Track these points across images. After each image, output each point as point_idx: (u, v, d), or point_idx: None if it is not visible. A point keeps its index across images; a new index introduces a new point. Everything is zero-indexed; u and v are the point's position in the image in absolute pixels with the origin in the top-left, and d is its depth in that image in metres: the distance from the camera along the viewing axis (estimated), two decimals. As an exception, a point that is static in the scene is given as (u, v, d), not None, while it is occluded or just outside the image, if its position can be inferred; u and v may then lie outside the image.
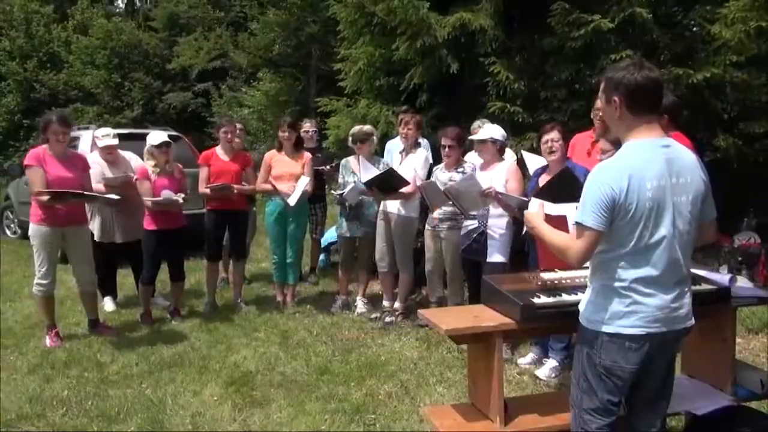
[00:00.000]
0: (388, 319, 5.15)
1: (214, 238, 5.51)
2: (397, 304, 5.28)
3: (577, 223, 2.10)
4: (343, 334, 4.93)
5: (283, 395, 3.76)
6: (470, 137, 4.41)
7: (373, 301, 5.67)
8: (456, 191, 4.20)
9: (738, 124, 5.53)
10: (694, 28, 5.63)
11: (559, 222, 2.82)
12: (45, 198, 4.34)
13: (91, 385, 3.89)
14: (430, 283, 5.10)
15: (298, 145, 5.39)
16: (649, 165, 2.05)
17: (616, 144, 3.38)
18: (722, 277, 2.69)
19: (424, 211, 5.13)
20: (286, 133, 5.28)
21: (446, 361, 4.28)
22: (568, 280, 2.64)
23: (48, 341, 4.59)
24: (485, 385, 2.53)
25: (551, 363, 4.03)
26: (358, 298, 5.57)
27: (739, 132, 5.57)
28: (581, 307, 2.24)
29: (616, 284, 2.10)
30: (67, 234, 4.58)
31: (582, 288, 2.55)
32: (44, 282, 4.53)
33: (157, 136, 5.01)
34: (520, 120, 5.68)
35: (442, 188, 4.49)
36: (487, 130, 4.35)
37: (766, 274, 5.38)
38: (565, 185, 3.42)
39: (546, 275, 2.70)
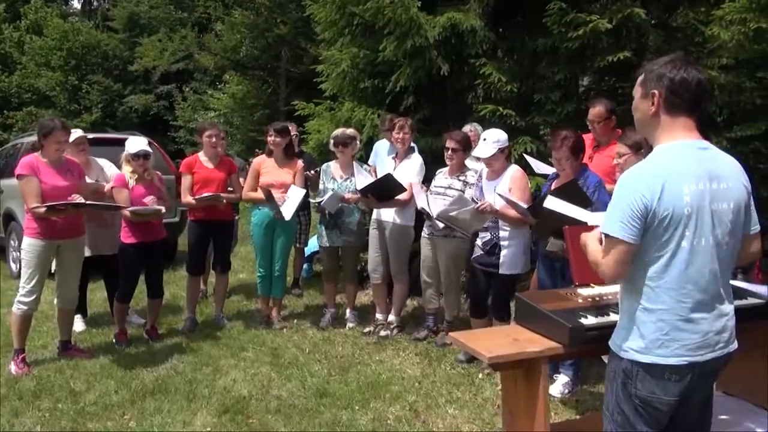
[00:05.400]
0: (383, 333, 4.90)
1: (198, 251, 5.15)
2: (391, 317, 5.03)
3: (605, 235, 1.89)
4: (337, 350, 4.65)
5: (282, 422, 3.46)
6: (473, 154, 4.18)
7: (362, 313, 5.42)
8: (446, 215, 3.98)
9: (732, 127, 5.48)
10: (688, 31, 5.54)
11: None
12: (42, 211, 3.97)
13: (67, 418, 3.50)
14: (425, 293, 4.87)
15: (289, 152, 5.06)
16: (685, 168, 1.85)
17: (634, 147, 3.20)
18: (760, 288, 2.54)
19: (420, 218, 4.90)
20: (275, 139, 4.93)
21: (452, 379, 4.06)
22: (610, 297, 2.44)
23: (14, 368, 4.17)
24: (527, 413, 2.29)
25: (563, 379, 3.84)
26: (347, 311, 5.29)
27: (732, 134, 5.52)
28: (613, 333, 2.00)
29: (652, 307, 1.86)
30: (62, 247, 4.24)
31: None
32: (28, 300, 4.16)
33: (135, 144, 4.62)
34: (513, 123, 5.50)
35: (430, 200, 4.30)
36: (491, 137, 4.12)
37: (762, 278, 5.33)
38: (573, 195, 3.24)
39: (584, 291, 2.49)
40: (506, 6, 5.83)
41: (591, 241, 2.08)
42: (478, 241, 4.17)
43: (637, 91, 1.99)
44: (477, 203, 4.00)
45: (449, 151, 4.41)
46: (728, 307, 1.94)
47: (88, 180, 4.77)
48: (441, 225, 4.25)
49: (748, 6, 4.65)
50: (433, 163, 5.11)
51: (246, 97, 15.12)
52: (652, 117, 1.92)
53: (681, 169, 1.84)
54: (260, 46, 14.46)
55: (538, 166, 4.44)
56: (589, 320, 2.23)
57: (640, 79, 1.98)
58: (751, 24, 4.62)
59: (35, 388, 3.89)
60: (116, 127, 17.08)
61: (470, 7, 5.74)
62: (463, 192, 4.37)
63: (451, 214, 4.04)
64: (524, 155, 4.74)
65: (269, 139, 4.96)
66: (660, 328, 1.85)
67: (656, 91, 1.90)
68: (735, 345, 1.96)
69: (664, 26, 5.56)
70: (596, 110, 4.20)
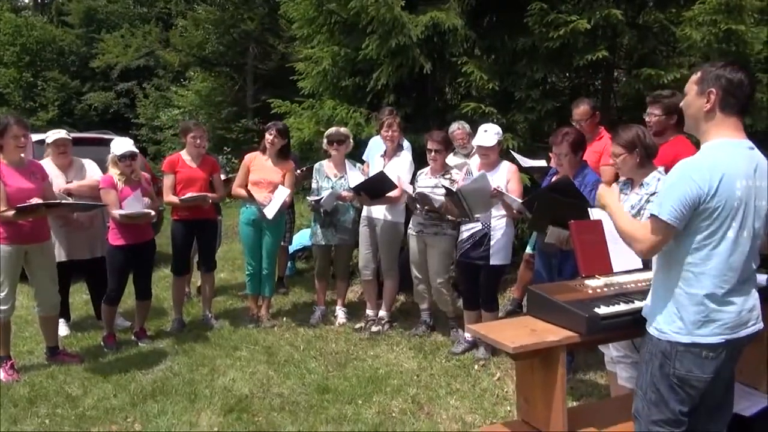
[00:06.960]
0: (374, 329, 4.96)
1: (183, 251, 5.09)
2: (382, 313, 5.09)
3: (653, 216, 2.04)
4: (331, 347, 4.69)
5: (289, 420, 3.50)
6: (475, 143, 4.26)
7: (351, 309, 5.46)
8: (468, 192, 4.04)
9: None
10: (655, 29, 5.75)
11: (595, 225, 2.76)
12: (11, 214, 3.86)
13: (69, 423, 3.46)
14: (416, 288, 4.94)
15: (284, 152, 5.03)
16: (738, 164, 2.02)
17: (628, 147, 3.33)
18: (759, 277, 2.70)
19: (409, 214, 4.97)
20: (275, 139, 4.90)
21: (449, 371, 4.16)
22: (617, 287, 2.57)
23: (3, 375, 4.06)
24: (543, 401, 2.40)
25: (556, 366, 3.98)
26: (338, 307, 5.33)
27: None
28: (649, 317, 2.17)
29: (692, 291, 2.04)
30: (30, 252, 4.10)
31: (636, 294, 2.49)
32: (3, 308, 4.03)
33: (120, 145, 4.53)
34: (494, 121, 5.62)
35: (428, 192, 4.37)
36: (492, 129, 4.22)
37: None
38: (567, 194, 3.35)
39: (592, 282, 2.61)
40: (485, 5, 5.95)
41: (618, 212, 2.25)
42: (463, 235, 4.29)
43: (691, 89, 2.12)
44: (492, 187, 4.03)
45: (432, 153, 4.49)
46: (754, 289, 2.12)
47: (71, 180, 4.69)
48: (443, 200, 4.28)
49: (718, 8, 4.88)
50: (416, 160, 5.19)
51: (212, 94, 14.83)
52: (707, 113, 2.06)
53: (735, 165, 2.00)
54: (226, 42, 14.22)
55: (526, 161, 4.57)
56: (603, 309, 2.35)
57: (696, 77, 2.12)
58: (721, 25, 4.85)
59: (30, 395, 3.81)
60: (75, 126, 16.56)
61: (450, 6, 5.84)
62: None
63: (471, 190, 4.06)
64: (511, 151, 4.86)
65: (268, 137, 4.93)
66: (700, 311, 2.02)
67: (713, 90, 2.04)
68: (762, 325, 2.13)
69: (635, 26, 5.77)
70: (581, 109, 4.35)
